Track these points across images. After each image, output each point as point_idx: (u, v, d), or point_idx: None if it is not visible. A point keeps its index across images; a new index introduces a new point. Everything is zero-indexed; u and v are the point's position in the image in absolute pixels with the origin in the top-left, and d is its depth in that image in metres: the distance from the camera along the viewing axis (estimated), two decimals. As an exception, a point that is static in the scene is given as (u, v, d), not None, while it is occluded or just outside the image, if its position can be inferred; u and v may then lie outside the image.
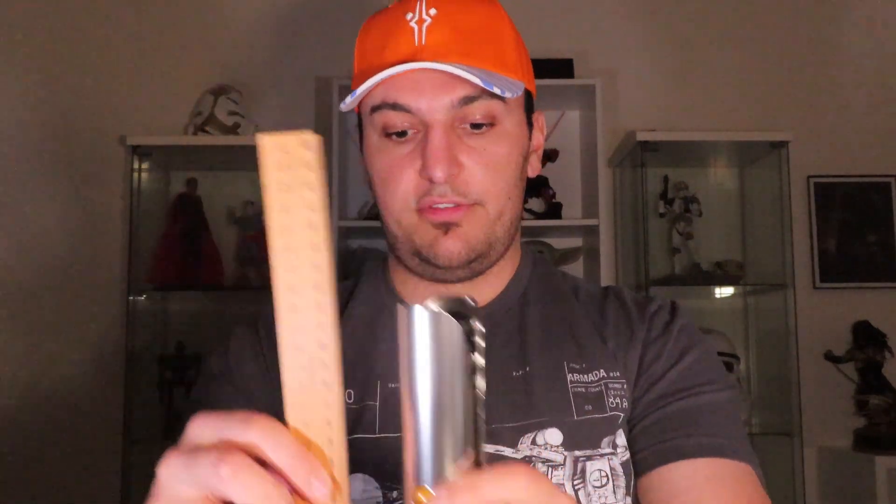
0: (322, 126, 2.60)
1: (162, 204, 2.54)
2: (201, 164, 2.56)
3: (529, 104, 0.83)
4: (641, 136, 2.38)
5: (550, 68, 2.44)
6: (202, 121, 2.43)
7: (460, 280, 0.80)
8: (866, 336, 2.53)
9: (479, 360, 0.42)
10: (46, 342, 2.51)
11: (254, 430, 0.41)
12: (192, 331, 2.50)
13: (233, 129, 2.43)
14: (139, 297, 2.43)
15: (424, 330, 0.41)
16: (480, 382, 0.42)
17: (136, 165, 2.44)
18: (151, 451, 2.40)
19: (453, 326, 0.41)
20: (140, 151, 2.42)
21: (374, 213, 2.45)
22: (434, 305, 0.41)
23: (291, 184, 0.41)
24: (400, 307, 0.41)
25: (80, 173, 2.58)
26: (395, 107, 0.75)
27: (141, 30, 2.66)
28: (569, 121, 2.61)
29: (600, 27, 2.71)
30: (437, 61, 0.73)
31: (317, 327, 0.42)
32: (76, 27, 2.65)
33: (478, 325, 0.42)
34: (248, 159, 2.55)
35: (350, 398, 0.78)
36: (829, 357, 2.56)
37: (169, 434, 2.37)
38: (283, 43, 2.68)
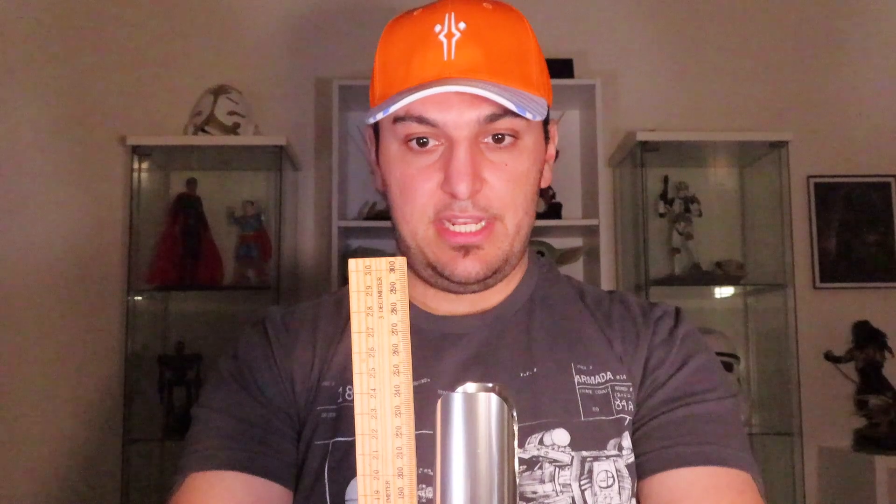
0: (322, 126, 2.60)
1: (162, 204, 2.54)
2: (201, 164, 2.56)
3: (546, 116, 0.84)
4: (641, 136, 2.38)
5: (550, 68, 2.41)
6: (202, 121, 2.43)
7: (473, 292, 0.80)
8: (866, 336, 2.53)
9: (515, 444, 0.42)
10: (46, 342, 2.51)
11: None
12: (192, 331, 2.50)
13: (233, 129, 2.43)
14: (139, 297, 2.43)
15: (477, 413, 0.41)
16: (516, 464, 0.42)
17: (136, 165, 2.44)
18: (151, 451, 2.41)
19: (503, 410, 0.41)
20: (140, 151, 2.42)
21: (374, 213, 2.45)
22: (477, 389, 0.41)
23: (376, 307, 0.43)
24: (446, 394, 0.41)
25: (80, 173, 2.58)
26: (420, 120, 0.75)
27: (141, 30, 2.66)
28: (569, 121, 2.61)
29: (600, 27, 2.71)
30: (466, 79, 0.73)
31: (395, 455, 0.42)
32: (76, 28, 2.65)
33: (514, 413, 0.42)
34: (248, 159, 2.58)
35: None
36: (829, 357, 2.56)
37: (169, 434, 2.37)
38: (284, 43, 2.68)
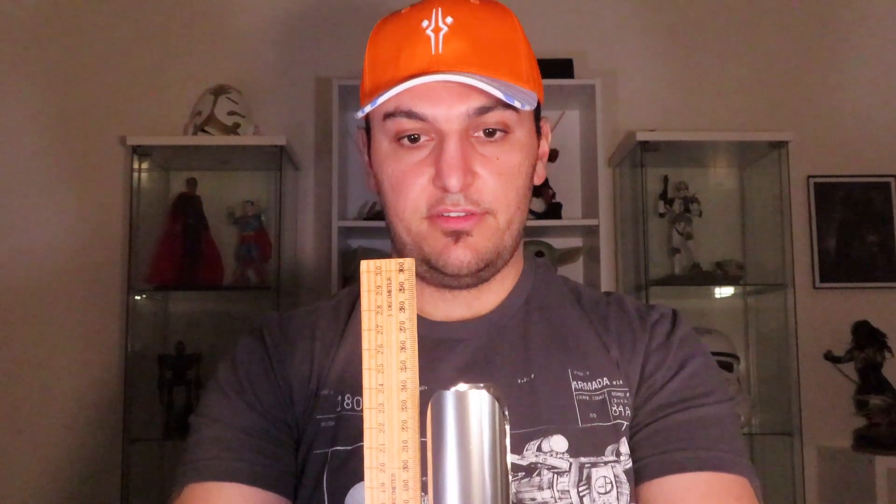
0: (322, 126, 2.61)
1: (162, 204, 2.54)
2: (201, 164, 2.56)
3: (538, 113, 0.84)
4: (641, 136, 2.38)
5: (550, 68, 2.44)
6: (202, 121, 2.44)
7: (467, 287, 0.80)
8: (866, 336, 2.53)
9: (507, 441, 0.43)
10: (46, 341, 2.51)
11: None
12: (192, 331, 2.50)
13: (233, 129, 2.43)
14: (139, 297, 2.43)
15: (468, 410, 0.42)
16: (509, 461, 0.43)
17: (136, 165, 2.44)
18: (151, 451, 2.41)
19: (495, 407, 0.42)
20: (140, 151, 2.42)
21: (374, 213, 2.45)
22: (468, 388, 0.42)
23: (385, 305, 0.44)
24: (438, 393, 0.42)
25: (80, 173, 2.58)
26: (409, 115, 0.75)
27: (141, 30, 2.66)
28: (569, 121, 2.61)
29: (600, 27, 2.71)
30: (454, 71, 0.73)
31: (401, 448, 0.43)
32: (76, 28, 2.65)
33: (506, 412, 0.43)
34: (248, 159, 2.58)
35: (358, 405, 0.78)
36: (829, 357, 2.56)
37: (169, 434, 2.38)
38: (284, 43, 2.68)
